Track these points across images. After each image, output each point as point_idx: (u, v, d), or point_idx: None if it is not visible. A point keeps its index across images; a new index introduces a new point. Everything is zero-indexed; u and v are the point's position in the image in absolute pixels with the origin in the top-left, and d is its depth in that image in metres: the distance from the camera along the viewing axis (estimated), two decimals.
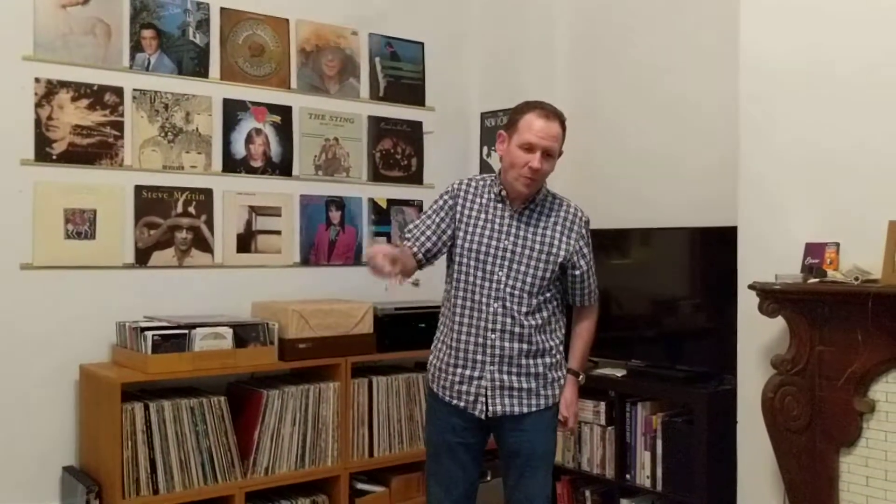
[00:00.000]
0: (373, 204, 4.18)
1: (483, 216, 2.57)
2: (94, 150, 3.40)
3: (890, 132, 2.64)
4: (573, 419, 2.64)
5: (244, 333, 3.34)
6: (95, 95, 3.40)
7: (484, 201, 2.59)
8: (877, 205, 2.63)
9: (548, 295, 2.56)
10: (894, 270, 2.52)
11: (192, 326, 3.22)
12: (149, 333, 3.13)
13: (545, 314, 2.56)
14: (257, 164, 3.82)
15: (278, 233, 3.86)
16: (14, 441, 3.18)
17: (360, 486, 3.58)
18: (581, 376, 2.68)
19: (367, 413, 3.61)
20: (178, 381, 3.25)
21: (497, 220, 2.56)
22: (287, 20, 3.93)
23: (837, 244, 2.71)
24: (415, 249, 2.54)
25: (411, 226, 2.63)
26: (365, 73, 4.19)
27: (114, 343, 3.37)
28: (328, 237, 4.02)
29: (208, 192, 3.67)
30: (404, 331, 3.71)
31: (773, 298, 2.75)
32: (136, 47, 3.51)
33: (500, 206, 2.57)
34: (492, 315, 2.51)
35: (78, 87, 3.36)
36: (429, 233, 2.57)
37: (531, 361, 2.54)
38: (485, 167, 4.41)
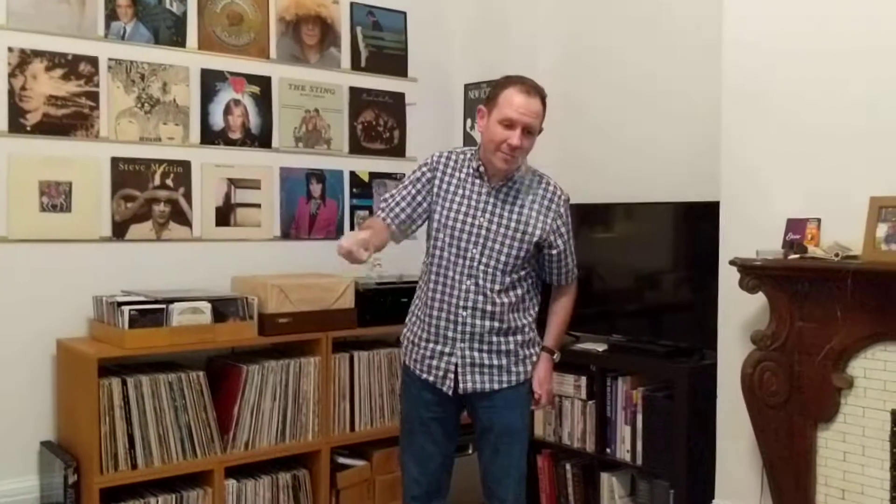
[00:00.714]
0: (354, 177, 4.13)
1: (460, 192, 2.54)
2: (69, 122, 3.33)
3: (872, 108, 2.63)
4: (546, 396, 2.63)
5: (223, 308, 3.30)
6: (70, 65, 3.33)
7: (462, 176, 2.56)
8: (858, 180, 2.63)
9: (522, 273, 2.54)
10: (875, 247, 2.52)
11: (170, 301, 3.18)
12: (126, 308, 3.10)
13: (519, 292, 2.55)
14: (236, 135, 3.76)
15: (258, 206, 3.81)
16: None
17: (341, 460, 3.58)
18: (556, 354, 2.67)
19: (349, 388, 3.59)
20: (157, 356, 3.22)
21: (474, 197, 2.53)
22: None
23: (819, 220, 2.72)
24: (388, 221, 2.52)
25: (387, 195, 2.60)
26: (346, 42, 4.12)
27: (91, 317, 3.34)
28: (309, 210, 3.98)
29: (186, 165, 3.61)
30: (385, 305, 3.68)
31: (753, 274, 2.75)
32: (112, 16, 3.43)
33: (477, 181, 2.54)
34: (464, 292, 2.49)
35: (52, 56, 3.28)
36: (403, 204, 2.54)
37: (502, 339, 2.53)
38: (468, 140, 4.36)
